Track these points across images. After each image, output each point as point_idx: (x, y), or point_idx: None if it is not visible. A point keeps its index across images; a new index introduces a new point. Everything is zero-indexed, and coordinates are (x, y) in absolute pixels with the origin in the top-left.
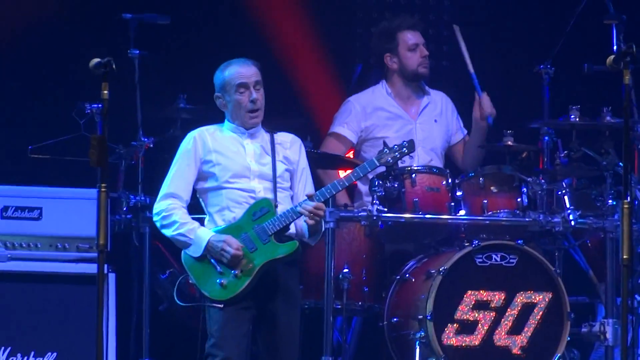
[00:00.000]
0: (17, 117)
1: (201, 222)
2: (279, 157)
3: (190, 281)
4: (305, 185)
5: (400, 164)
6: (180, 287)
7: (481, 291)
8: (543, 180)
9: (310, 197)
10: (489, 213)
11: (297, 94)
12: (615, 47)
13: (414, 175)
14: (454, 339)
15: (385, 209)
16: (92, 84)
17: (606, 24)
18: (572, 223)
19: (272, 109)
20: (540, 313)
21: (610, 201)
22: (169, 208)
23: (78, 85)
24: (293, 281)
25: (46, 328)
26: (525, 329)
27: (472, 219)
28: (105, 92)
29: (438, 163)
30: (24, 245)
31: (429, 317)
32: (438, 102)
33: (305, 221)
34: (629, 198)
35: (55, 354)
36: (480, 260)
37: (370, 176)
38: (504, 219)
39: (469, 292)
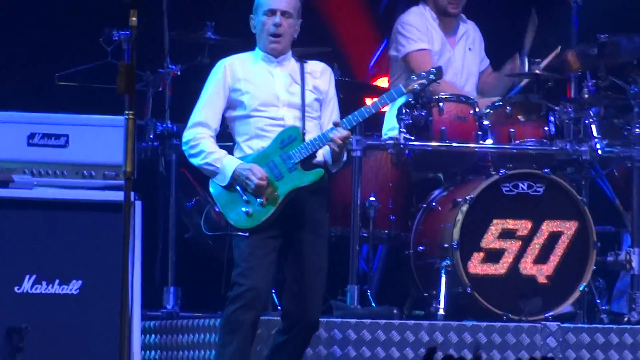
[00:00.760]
0: (45, 44)
1: (230, 150)
2: (308, 86)
3: (216, 210)
4: (332, 113)
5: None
6: (206, 215)
7: (507, 220)
8: (570, 109)
9: (336, 125)
10: (516, 142)
11: (324, 23)
12: None
13: (441, 103)
14: (479, 267)
15: (412, 137)
16: (120, 11)
17: None
18: (599, 152)
19: (298, 38)
20: (567, 242)
21: (637, 130)
22: (197, 137)
23: (105, 12)
24: (320, 210)
25: (71, 256)
26: (551, 257)
27: (499, 147)
28: (134, 19)
29: (473, 91)
30: (50, 173)
31: (454, 246)
32: (471, 31)
33: (331, 149)
34: None
35: (80, 281)
36: (507, 189)
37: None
38: (531, 147)
39: (495, 220)
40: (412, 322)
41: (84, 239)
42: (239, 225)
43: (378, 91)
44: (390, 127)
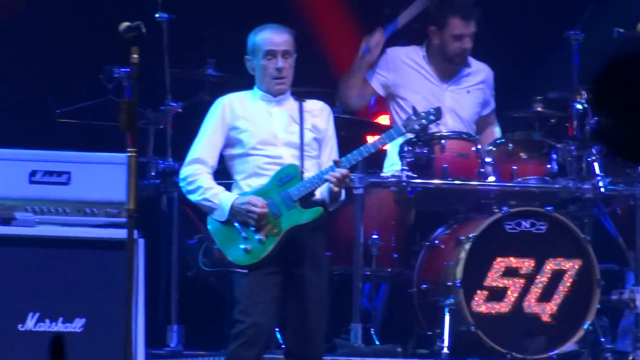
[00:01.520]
0: (45, 81)
1: (228, 188)
2: (307, 125)
3: (215, 247)
4: (331, 152)
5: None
6: (208, 252)
7: (511, 258)
8: (573, 147)
9: (336, 164)
10: (519, 179)
11: (325, 59)
12: None
13: (443, 141)
14: (483, 306)
15: (415, 175)
16: (120, 48)
17: None
18: (602, 190)
19: (299, 76)
20: (570, 280)
21: None
22: (194, 173)
23: (105, 49)
24: (319, 247)
25: (74, 294)
26: (555, 296)
27: (501, 185)
28: (135, 56)
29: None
30: (52, 210)
31: (458, 284)
32: (479, 74)
33: (329, 187)
34: None
35: (83, 319)
36: (510, 227)
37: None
38: (534, 185)
39: (499, 258)
40: None
41: (87, 276)
42: (238, 262)
43: (379, 129)
44: (392, 164)
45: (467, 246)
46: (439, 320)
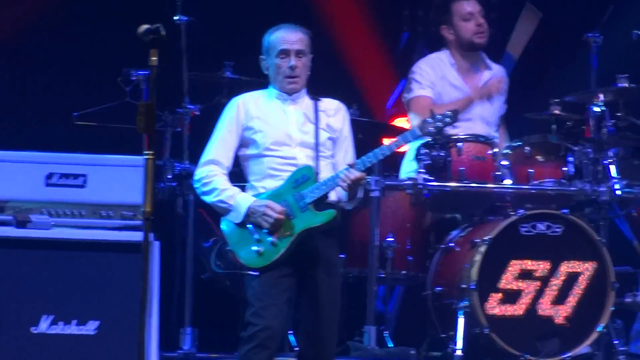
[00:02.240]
0: (63, 84)
1: (243, 189)
2: (321, 124)
3: (227, 248)
4: (346, 152)
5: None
6: (222, 254)
7: (526, 260)
8: (589, 150)
9: (351, 166)
10: (535, 182)
11: (343, 62)
12: None
13: (460, 143)
14: (497, 308)
15: (431, 178)
16: (138, 51)
17: None
18: (618, 193)
19: (317, 77)
20: (585, 283)
21: None
22: (209, 175)
23: (123, 51)
24: (332, 250)
25: (89, 296)
26: (569, 298)
27: (517, 188)
28: (154, 58)
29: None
30: (68, 213)
31: (473, 287)
32: (499, 75)
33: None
34: None
35: (97, 322)
36: (526, 229)
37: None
38: (550, 188)
39: (514, 261)
40: None
41: (102, 279)
42: (250, 264)
43: (396, 131)
44: (409, 168)
45: (483, 249)
46: (453, 322)
